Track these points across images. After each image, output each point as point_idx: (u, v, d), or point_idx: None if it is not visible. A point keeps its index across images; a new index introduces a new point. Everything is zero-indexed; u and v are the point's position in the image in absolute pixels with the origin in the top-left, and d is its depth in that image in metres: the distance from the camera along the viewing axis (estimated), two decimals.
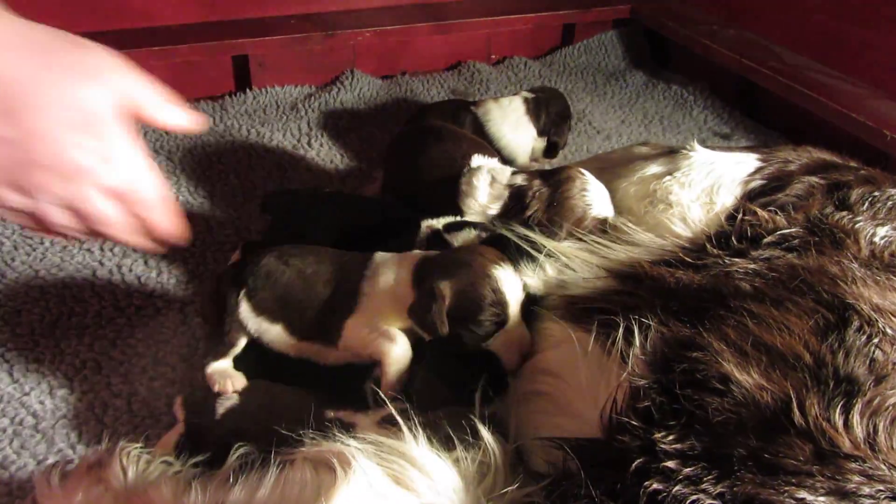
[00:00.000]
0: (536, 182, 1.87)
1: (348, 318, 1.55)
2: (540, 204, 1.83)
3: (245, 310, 1.61)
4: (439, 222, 1.84)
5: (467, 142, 2.09)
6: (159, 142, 2.71)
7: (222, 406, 1.49)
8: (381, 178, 2.32)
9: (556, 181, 1.85)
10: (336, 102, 3.03)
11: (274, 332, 1.62)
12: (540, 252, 1.67)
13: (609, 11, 3.63)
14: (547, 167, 2.41)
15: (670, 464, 0.95)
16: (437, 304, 1.43)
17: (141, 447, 1.35)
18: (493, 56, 3.55)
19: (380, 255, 1.61)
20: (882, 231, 1.57)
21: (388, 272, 1.56)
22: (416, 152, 2.05)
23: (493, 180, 1.91)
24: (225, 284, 1.66)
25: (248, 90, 3.06)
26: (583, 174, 1.85)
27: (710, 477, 0.92)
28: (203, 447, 1.40)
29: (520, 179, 1.89)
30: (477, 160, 1.97)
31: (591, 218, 1.81)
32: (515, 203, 1.86)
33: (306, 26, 3.08)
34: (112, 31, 2.88)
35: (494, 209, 1.89)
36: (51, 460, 1.57)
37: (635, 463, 0.98)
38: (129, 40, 2.83)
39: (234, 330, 1.63)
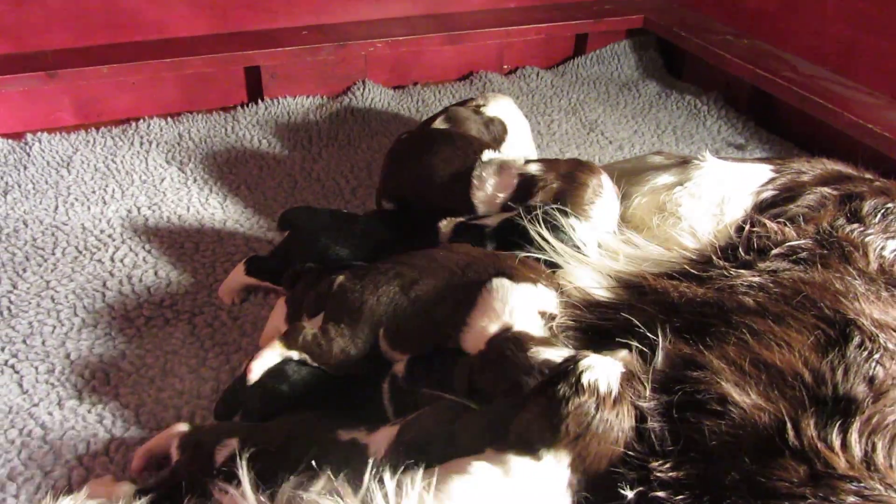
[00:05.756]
0: (551, 176, 1.88)
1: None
2: (546, 197, 1.85)
3: (384, 344, 1.63)
4: (457, 219, 1.90)
5: (477, 141, 2.12)
6: (171, 152, 2.73)
7: (221, 455, 1.42)
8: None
9: (568, 181, 1.85)
10: (347, 113, 3.05)
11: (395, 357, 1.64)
12: (547, 243, 1.69)
13: (622, 21, 3.62)
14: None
15: (661, 494, 0.94)
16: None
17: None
18: (506, 66, 3.55)
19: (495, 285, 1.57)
20: (893, 244, 1.55)
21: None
22: (424, 155, 2.06)
23: (502, 169, 1.94)
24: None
25: (259, 101, 3.09)
26: (598, 185, 1.85)
27: None
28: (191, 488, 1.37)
29: (533, 168, 1.91)
30: (487, 154, 2.01)
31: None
32: (523, 191, 1.88)
33: (318, 37, 3.10)
34: (126, 44, 2.92)
35: (503, 196, 1.92)
36: (57, 472, 1.57)
37: (630, 495, 0.98)
38: (143, 52, 2.86)
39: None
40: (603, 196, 1.85)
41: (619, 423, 1.14)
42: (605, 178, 1.87)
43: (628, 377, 1.18)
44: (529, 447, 1.15)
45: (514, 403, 1.22)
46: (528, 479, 1.12)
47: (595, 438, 1.13)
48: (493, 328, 1.47)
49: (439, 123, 2.35)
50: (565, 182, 1.86)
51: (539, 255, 1.68)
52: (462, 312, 1.52)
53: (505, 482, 1.12)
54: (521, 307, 1.49)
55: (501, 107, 2.49)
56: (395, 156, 2.20)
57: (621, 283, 1.58)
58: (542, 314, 1.50)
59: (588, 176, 1.86)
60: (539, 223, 1.73)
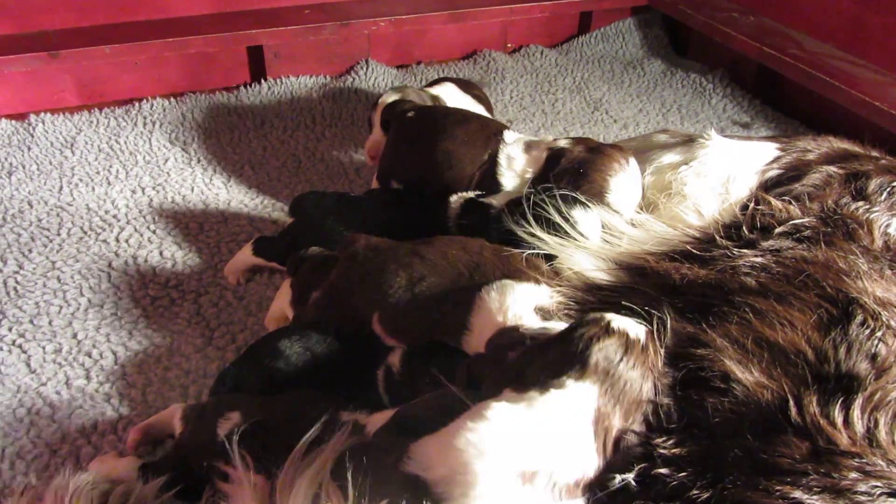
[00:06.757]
0: (578, 148, 1.91)
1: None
2: (569, 164, 1.87)
3: (379, 330, 1.63)
4: (468, 194, 1.93)
5: (493, 121, 2.10)
6: (174, 133, 2.73)
7: (223, 428, 1.41)
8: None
9: (594, 152, 1.88)
10: (351, 92, 3.03)
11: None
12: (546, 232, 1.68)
13: None
14: None
15: (664, 470, 0.94)
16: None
17: (91, 482, 1.34)
18: (509, 45, 3.53)
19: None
20: None
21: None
22: (440, 138, 2.03)
23: (529, 147, 1.96)
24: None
25: (262, 81, 3.08)
26: (624, 161, 1.87)
27: (701, 482, 0.92)
28: (195, 463, 1.39)
29: (563, 143, 1.94)
30: (509, 135, 2.01)
31: (606, 202, 1.83)
32: (552, 164, 1.90)
33: (321, 16, 3.08)
34: (128, 24, 2.90)
35: (531, 172, 1.94)
36: (66, 450, 1.59)
37: (635, 470, 0.98)
38: (146, 32, 2.85)
39: None
40: (626, 172, 1.85)
41: (642, 378, 1.08)
42: (631, 159, 1.88)
43: (651, 345, 1.14)
44: (554, 379, 1.09)
45: (529, 352, 1.18)
46: (554, 408, 1.06)
47: (622, 379, 1.07)
48: (491, 330, 1.45)
49: (390, 94, 2.33)
50: (591, 153, 1.88)
51: (540, 250, 1.67)
52: (462, 314, 1.50)
53: (529, 415, 1.05)
54: (518, 307, 1.47)
55: (444, 90, 2.49)
56: (405, 137, 2.17)
57: (622, 266, 1.58)
58: (539, 309, 1.47)
59: (614, 150, 1.89)
60: (536, 207, 1.73)
